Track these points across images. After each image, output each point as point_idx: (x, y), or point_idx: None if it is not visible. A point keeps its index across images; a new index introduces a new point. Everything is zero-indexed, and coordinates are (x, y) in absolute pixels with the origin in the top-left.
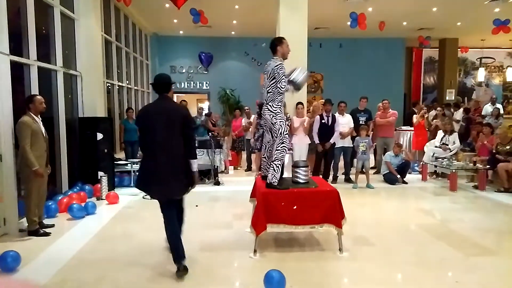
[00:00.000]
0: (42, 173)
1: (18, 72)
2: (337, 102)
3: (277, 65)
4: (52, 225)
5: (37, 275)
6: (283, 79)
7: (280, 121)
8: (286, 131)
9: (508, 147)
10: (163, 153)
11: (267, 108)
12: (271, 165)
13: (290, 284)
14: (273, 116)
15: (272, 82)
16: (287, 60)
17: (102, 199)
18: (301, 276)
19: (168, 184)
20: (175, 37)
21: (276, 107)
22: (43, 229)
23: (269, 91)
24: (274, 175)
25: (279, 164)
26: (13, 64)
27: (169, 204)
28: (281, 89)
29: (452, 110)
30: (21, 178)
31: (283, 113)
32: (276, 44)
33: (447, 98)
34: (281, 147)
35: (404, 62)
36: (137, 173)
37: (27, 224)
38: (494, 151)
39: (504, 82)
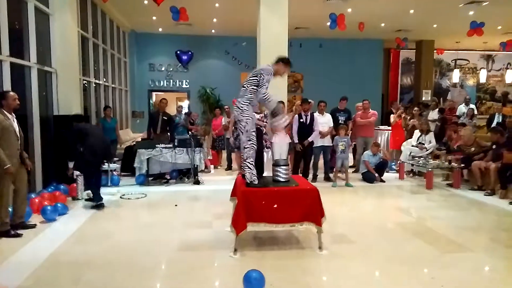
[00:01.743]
0: (13, 172)
1: None
2: (317, 102)
3: (268, 70)
4: (34, 225)
5: (8, 277)
6: (265, 85)
7: (246, 118)
8: (252, 129)
9: (472, 148)
10: None
11: (236, 104)
12: (244, 165)
13: (270, 283)
14: (240, 112)
15: (252, 79)
16: (269, 62)
17: (78, 199)
18: (281, 274)
19: None
20: (154, 35)
21: (243, 104)
22: (15, 231)
23: (244, 85)
24: (251, 173)
25: (251, 162)
26: None
27: None
28: (260, 94)
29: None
30: None
31: (250, 110)
32: (282, 60)
33: (423, 98)
34: (249, 145)
35: (382, 63)
36: (114, 173)
37: None
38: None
39: (478, 83)
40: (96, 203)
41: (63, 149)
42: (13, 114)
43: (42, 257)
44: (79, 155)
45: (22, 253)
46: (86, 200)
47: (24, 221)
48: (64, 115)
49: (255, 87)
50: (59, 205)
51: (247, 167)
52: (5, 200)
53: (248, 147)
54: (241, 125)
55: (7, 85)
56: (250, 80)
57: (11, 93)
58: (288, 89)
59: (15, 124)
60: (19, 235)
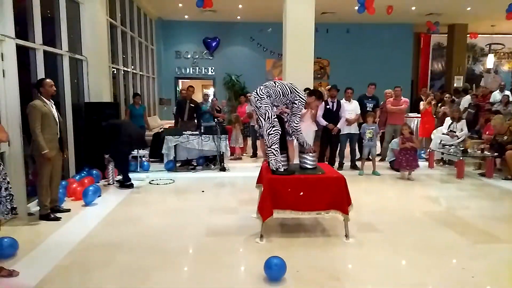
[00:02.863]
0: (50, 157)
1: (24, 57)
2: (343, 88)
3: (302, 100)
4: (68, 210)
5: (46, 258)
6: (298, 115)
7: (265, 106)
8: (274, 116)
9: (506, 137)
10: None
11: (255, 90)
12: (269, 152)
13: (296, 270)
14: (257, 99)
15: (286, 88)
16: (296, 49)
17: (109, 184)
18: (307, 262)
19: None
20: (180, 22)
21: (262, 93)
22: (54, 214)
23: (275, 82)
24: (276, 160)
25: (276, 148)
26: (19, 48)
27: None
28: (293, 123)
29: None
30: (33, 162)
31: (269, 100)
32: (315, 94)
33: (455, 84)
34: (273, 131)
35: (412, 48)
36: (143, 159)
37: (39, 208)
38: (492, 141)
39: None
40: (126, 183)
41: (95, 136)
42: (51, 100)
43: (76, 240)
44: (113, 146)
45: (58, 235)
46: (117, 184)
47: (58, 205)
48: (95, 102)
49: (280, 94)
50: (97, 185)
51: (272, 154)
52: (45, 184)
53: (272, 134)
54: (260, 112)
55: (41, 73)
56: (284, 85)
57: (48, 80)
58: (314, 76)
59: (54, 110)
60: (58, 219)
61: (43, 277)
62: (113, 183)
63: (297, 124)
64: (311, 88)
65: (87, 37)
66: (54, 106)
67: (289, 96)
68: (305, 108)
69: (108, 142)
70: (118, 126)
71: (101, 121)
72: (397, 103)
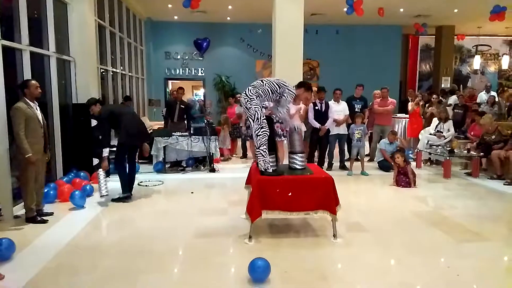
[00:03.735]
0: (34, 161)
1: (10, 58)
2: (332, 90)
3: (291, 95)
4: (51, 213)
5: (32, 260)
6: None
7: (255, 107)
8: (263, 116)
9: (493, 136)
10: None
11: (244, 92)
12: (258, 153)
13: (284, 270)
14: (247, 101)
15: (273, 84)
16: (286, 50)
17: (103, 196)
18: (295, 262)
19: None
20: (170, 23)
21: (252, 94)
22: (41, 217)
23: (262, 80)
24: (265, 161)
25: (265, 149)
26: (5, 49)
27: None
28: (281, 114)
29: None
30: (17, 165)
31: (259, 101)
32: (304, 86)
33: (442, 85)
34: (261, 132)
35: (400, 50)
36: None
37: (25, 211)
38: (480, 141)
39: (500, 70)
40: (122, 195)
41: (83, 138)
42: (36, 102)
43: (63, 242)
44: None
45: (44, 238)
46: (114, 200)
47: (42, 209)
48: (82, 103)
49: (269, 91)
50: (87, 187)
51: (260, 155)
52: (30, 187)
53: (260, 135)
54: (249, 113)
55: (27, 74)
56: (271, 82)
57: (33, 81)
58: (304, 77)
59: (38, 112)
60: (45, 221)
61: (29, 280)
62: (103, 195)
63: (282, 114)
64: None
65: (75, 38)
66: (38, 108)
67: (278, 91)
68: (295, 101)
69: (108, 134)
70: (118, 112)
71: (89, 123)
72: (384, 104)
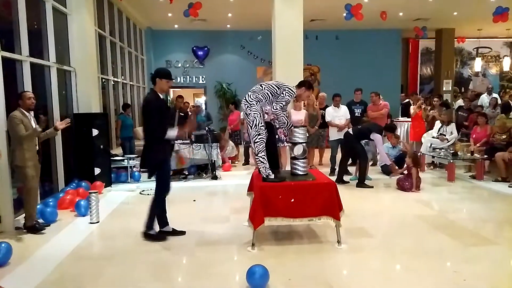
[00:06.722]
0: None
1: (10, 69)
2: (332, 95)
3: (291, 94)
4: (48, 225)
5: (34, 271)
6: (281, 103)
7: (254, 113)
8: (261, 123)
9: (504, 136)
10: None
11: (244, 97)
12: (257, 160)
13: (288, 277)
14: (248, 107)
15: (273, 87)
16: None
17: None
18: (299, 270)
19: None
20: (170, 31)
21: (252, 99)
22: (39, 224)
23: (261, 84)
24: (265, 168)
25: (263, 156)
26: (5, 61)
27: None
28: (272, 108)
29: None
30: (18, 175)
31: (259, 106)
32: (304, 85)
33: (444, 88)
34: (258, 139)
35: (400, 53)
36: (134, 169)
37: (23, 222)
38: (491, 138)
39: (501, 72)
40: (152, 232)
41: (84, 148)
42: (30, 113)
43: (65, 253)
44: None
45: (46, 248)
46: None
47: (37, 221)
48: (83, 113)
49: (269, 95)
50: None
51: (259, 162)
52: (34, 195)
53: (258, 142)
54: (249, 120)
55: (27, 85)
56: (270, 86)
57: (27, 92)
58: None
59: (33, 122)
60: (43, 228)
61: None
62: (97, 222)
63: (275, 110)
64: None
65: (75, 48)
66: (33, 118)
67: (277, 92)
68: (296, 100)
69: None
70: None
71: (90, 133)
72: (377, 108)
